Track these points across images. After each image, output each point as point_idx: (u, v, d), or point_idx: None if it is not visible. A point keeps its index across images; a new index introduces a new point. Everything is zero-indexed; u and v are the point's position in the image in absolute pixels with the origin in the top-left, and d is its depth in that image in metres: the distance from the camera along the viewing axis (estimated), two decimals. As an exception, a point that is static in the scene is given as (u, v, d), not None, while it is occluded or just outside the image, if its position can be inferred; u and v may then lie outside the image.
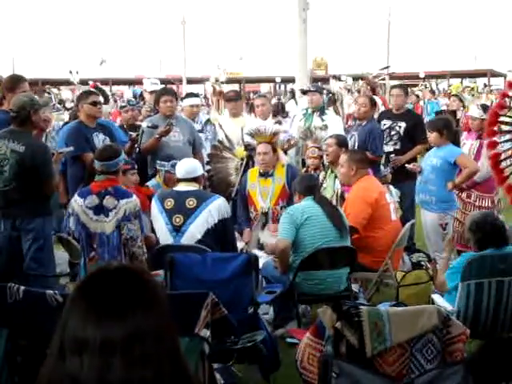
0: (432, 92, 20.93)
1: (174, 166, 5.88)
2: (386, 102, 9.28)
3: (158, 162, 6.44)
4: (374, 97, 8.49)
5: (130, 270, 1.52)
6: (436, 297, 4.67)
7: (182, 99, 8.59)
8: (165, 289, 3.96)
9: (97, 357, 1.39)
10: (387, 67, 9.43)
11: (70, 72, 13.32)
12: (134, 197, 5.07)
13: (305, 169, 7.45)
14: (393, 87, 9.34)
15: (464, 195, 7.14)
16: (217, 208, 5.24)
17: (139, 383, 1.40)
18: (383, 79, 9.98)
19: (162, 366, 1.43)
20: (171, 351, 1.48)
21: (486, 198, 7.07)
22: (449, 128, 6.76)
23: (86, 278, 1.52)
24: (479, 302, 4.36)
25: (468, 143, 7.48)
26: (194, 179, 5.44)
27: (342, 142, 6.78)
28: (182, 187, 5.40)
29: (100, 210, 4.95)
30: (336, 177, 6.59)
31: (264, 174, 6.48)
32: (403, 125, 7.72)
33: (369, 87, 9.00)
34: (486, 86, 29.24)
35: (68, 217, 5.05)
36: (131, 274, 1.50)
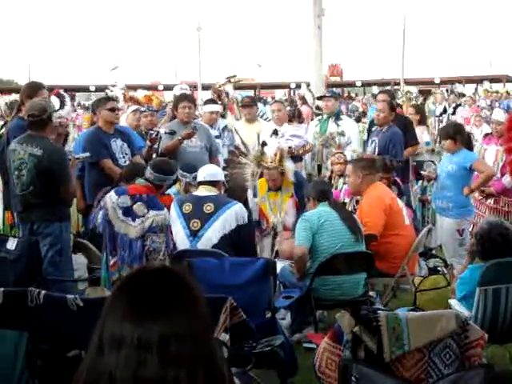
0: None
1: (195, 178, 5.88)
2: (233, 109, 9.33)
3: (181, 172, 6.48)
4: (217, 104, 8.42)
5: (171, 272, 1.54)
6: (453, 302, 4.63)
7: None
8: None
9: (133, 353, 1.41)
10: (234, 76, 9.48)
11: None
12: (165, 210, 5.05)
13: (329, 174, 7.45)
14: (379, 93, 9.28)
15: (491, 201, 6.97)
16: (234, 214, 5.25)
17: (173, 382, 1.42)
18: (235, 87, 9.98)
19: (196, 367, 1.45)
20: (207, 354, 1.49)
21: None
22: (461, 133, 6.74)
23: (127, 277, 1.55)
24: (496, 308, 4.33)
25: (491, 149, 7.37)
26: (214, 184, 5.47)
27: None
28: (201, 192, 5.44)
29: (129, 212, 4.95)
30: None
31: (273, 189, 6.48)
32: None
33: (215, 95, 9.18)
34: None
35: (99, 209, 5.06)
36: (172, 276, 1.52)
